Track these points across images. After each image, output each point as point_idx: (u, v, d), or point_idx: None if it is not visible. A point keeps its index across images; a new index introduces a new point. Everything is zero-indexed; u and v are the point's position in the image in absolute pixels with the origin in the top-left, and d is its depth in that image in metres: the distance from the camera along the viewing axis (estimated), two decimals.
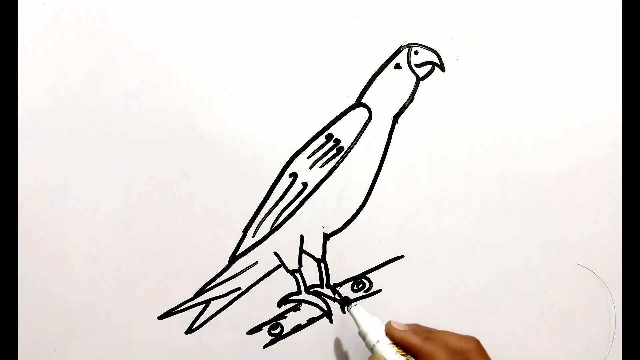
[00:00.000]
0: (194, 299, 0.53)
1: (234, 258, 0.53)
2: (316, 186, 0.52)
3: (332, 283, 0.54)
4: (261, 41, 0.50)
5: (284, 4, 0.50)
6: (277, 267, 0.53)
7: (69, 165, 0.50)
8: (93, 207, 0.51)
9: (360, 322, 0.49)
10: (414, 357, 0.45)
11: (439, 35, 0.52)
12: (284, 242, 0.53)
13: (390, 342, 0.46)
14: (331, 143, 0.52)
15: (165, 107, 0.50)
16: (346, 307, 0.52)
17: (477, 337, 0.48)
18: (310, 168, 0.52)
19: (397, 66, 0.52)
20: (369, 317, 0.49)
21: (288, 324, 0.54)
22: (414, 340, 0.45)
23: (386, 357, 0.45)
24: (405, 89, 0.52)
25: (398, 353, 0.45)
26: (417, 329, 0.46)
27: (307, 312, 0.55)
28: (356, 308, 0.50)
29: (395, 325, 0.46)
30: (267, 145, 0.51)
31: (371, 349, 0.47)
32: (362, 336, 0.48)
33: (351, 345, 0.55)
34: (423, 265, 0.54)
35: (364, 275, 0.54)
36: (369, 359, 0.47)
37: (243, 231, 0.52)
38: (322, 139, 0.52)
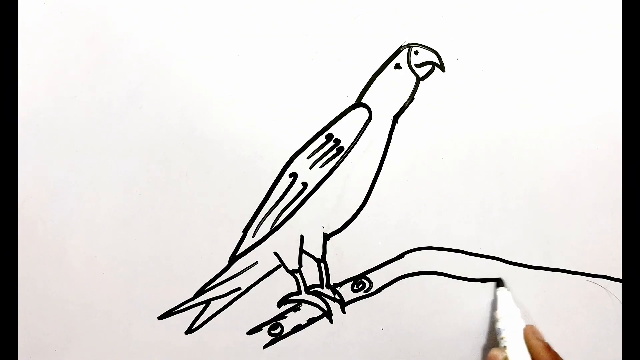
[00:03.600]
0: (194, 299, 0.53)
1: (234, 258, 0.53)
2: (316, 186, 0.52)
3: (332, 283, 0.54)
4: (261, 41, 0.50)
5: (284, 3, 0.50)
6: (277, 267, 0.53)
7: (69, 165, 0.50)
8: (93, 207, 0.51)
9: (500, 306, 0.52)
10: None
11: (439, 35, 0.52)
12: (284, 242, 0.53)
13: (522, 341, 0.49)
14: (331, 143, 0.52)
15: (165, 107, 0.50)
16: (496, 286, 0.54)
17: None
18: (310, 168, 0.52)
19: (397, 66, 0.52)
20: (512, 306, 0.51)
21: (288, 324, 0.54)
22: (545, 355, 0.47)
23: (510, 348, 0.48)
24: (405, 89, 0.52)
25: (527, 352, 0.48)
26: (551, 348, 0.49)
27: (307, 312, 0.55)
28: (503, 291, 0.52)
29: (535, 332, 0.49)
30: (267, 145, 0.51)
31: (499, 332, 0.50)
32: (497, 318, 0.51)
33: (351, 345, 0.55)
34: (423, 265, 0.54)
35: (364, 275, 0.54)
36: (493, 349, 0.49)
37: (243, 231, 0.52)
38: (322, 139, 0.52)
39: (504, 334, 0.49)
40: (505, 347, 0.49)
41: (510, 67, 0.52)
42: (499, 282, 0.54)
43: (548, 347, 0.48)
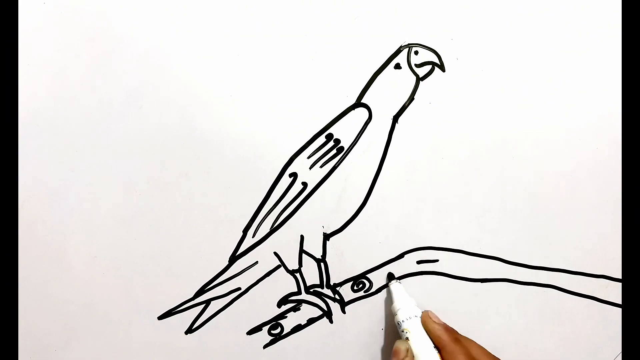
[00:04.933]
0: (194, 299, 0.53)
1: (234, 258, 0.53)
2: (316, 186, 0.52)
3: (332, 283, 0.54)
4: (261, 41, 0.50)
5: (284, 3, 0.50)
6: (277, 267, 0.53)
7: (69, 165, 0.50)
8: (93, 207, 0.51)
9: (395, 299, 0.52)
10: (437, 350, 0.47)
11: (439, 35, 0.52)
12: (284, 242, 0.53)
13: (421, 328, 0.49)
14: (331, 143, 0.52)
15: (165, 107, 0.50)
16: (388, 282, 0.54)
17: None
18: (310, 168, 0.52)
19: (397, 66, 0.52)
20: (407, 297, 0.51)
21: (288, 324, 0.54)
22: (444, 335, 0.47)
23: (412, 338, 0.48)
24: (405, 89, 0.52)
25: (429, 338, 0.48)
26: (449, 327, 0.49)
27: (307, 312, 0.55)
28: (396, 285, 0.52)
29: (432, 316, 0.49)
30: (267, 145, 0.51)
31: (399, 325, 0.50)
32: (395, 312, 0.51)
33: (351, 345, 0.55)
34: (423, 265, 0.54)
35: (364, 275, 0.54)
36: (397, 342, 0.49)
37: (243, 231, 0.52)
38: (322, 139, 0.52)
39: (404, 326, 0.49)
40: (407, 338, 0.49)
41: (510, 67, 0.52)
42: (390, 276, 0.54)
43: (446, 327, 0.48)
